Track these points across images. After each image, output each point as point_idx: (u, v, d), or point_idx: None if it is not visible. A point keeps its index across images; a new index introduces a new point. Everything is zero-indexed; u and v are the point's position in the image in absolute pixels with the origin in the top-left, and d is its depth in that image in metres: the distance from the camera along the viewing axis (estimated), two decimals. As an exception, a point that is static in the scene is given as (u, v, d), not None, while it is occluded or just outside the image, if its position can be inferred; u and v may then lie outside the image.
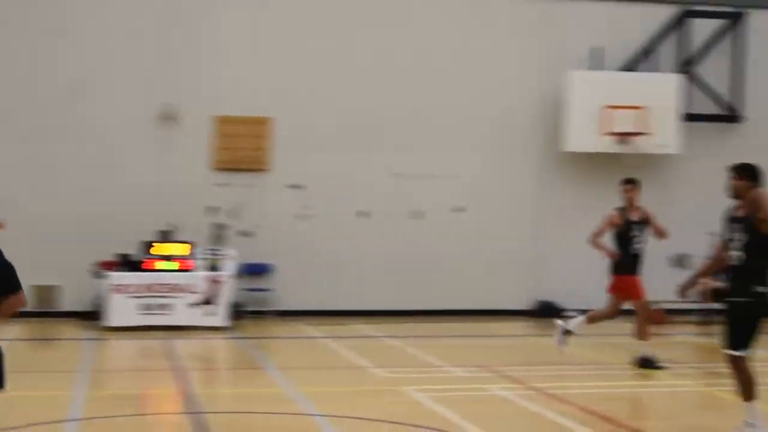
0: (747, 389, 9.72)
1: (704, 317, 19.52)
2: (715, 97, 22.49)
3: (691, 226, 21.10)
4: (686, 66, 22.29)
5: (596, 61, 21.72)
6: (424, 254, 21.53)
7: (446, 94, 21.65)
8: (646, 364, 14.45)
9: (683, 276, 22.01)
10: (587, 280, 21.94)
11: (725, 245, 9.83)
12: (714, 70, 22.55)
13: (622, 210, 14.90)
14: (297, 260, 21.04)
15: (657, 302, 20.36)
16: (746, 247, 9.63)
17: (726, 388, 13.15)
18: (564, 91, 21.39)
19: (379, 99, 21.40)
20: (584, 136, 21.18)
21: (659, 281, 21.48)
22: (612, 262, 14.96)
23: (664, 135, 21.39)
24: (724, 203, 14.98)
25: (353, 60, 21.42)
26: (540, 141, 21.97)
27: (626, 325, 20.04)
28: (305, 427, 10.46)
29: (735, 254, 9.69)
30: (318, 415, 10.87)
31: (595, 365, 15.09)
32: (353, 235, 21.33)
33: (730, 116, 22.53)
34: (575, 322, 14.91)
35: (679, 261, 21.92)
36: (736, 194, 9.79)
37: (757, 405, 9.72)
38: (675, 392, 13.33)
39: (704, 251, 19.21)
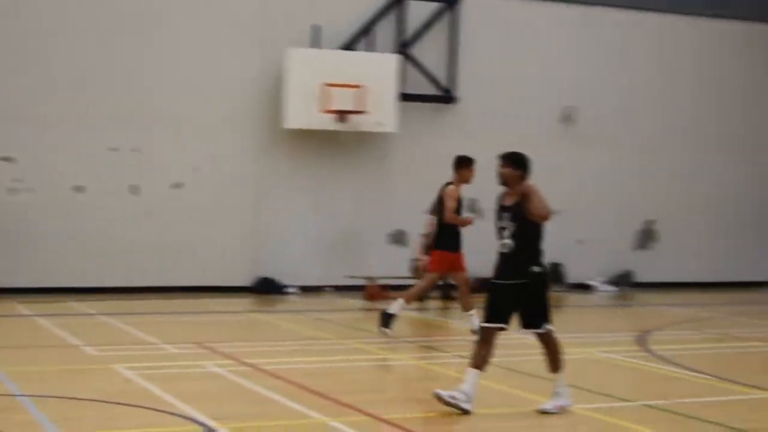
0: (555, 361, 10.21)
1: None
2: (431, 78, 23.02)
3: (408, 203, 21.61)
4: (404, 47, 22.72)
5: (315, 38, 21.84)
6: (142, 230, 21.12)
7: (165, 68, 21.28)
8: (386, 319, 14.87)
9: (401, 253, 22.56)
10: (306, 256, 22.18)
11: (497, 232, 10.08)
12: (430, 52, 23.08)
13: (455, 186, 15.08)
14: (8, 236, 20.26)
15: (374, 278, 20.78)
16: (516, 235, 9.95)
17: (439, 362, 13.56)
18: (283, 68, 21.41)
19: (96, 69, 20.79)
20: (303, 113, 21.27)
21: (377, 257, 21.99)
22: (436, 239, 15.30)
23: (382, 114, 21.74)
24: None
25: (67, 26, 20.68)
26: (260, 117, 21.90)
27: (349, 302, 20.43)
28: (9, 408, 10.02)
29: (507, 242, 10.01)
30: (23, 395, 10.48)
31: (311, 341, 15.17)
32: (68, 210, 20.69)
33: (444, 97, 23.12)
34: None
35: (397, 238, 22.39)
36: (504, 181, 10.11)
37: (563, 375, 10.17)
38: (389, 366, 13.58)
39: (419, 229, 19.67)
